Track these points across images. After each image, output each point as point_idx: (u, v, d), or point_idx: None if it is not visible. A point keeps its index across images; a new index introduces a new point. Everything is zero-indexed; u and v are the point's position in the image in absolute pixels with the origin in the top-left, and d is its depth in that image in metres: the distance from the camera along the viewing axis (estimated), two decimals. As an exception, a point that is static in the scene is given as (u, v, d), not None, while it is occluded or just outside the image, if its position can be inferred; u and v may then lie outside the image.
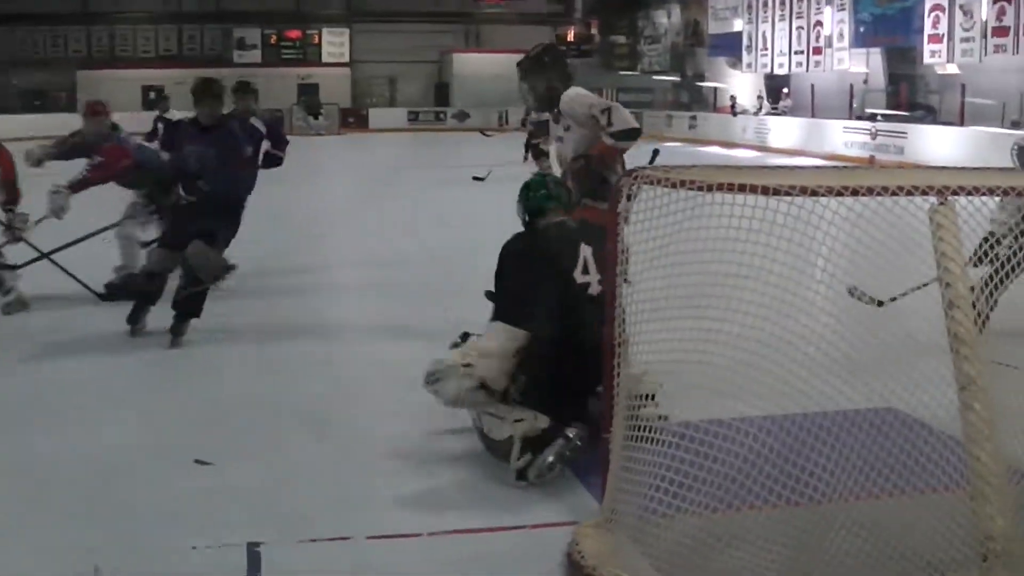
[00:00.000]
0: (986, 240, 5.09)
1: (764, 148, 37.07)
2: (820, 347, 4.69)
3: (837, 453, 4.80)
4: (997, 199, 5.07)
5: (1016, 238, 5.27)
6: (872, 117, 33.09)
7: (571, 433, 5.98)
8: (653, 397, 5.11)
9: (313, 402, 7.60)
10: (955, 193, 4.63)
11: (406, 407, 7.10)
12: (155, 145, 11.98)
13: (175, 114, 15.43)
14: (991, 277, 5.13)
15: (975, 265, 5.20)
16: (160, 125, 15.47)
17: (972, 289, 4.64)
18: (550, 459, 5.93)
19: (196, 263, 9.00)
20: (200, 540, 5.21)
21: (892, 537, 4.74)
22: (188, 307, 9.07)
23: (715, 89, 46.92)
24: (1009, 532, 4.50)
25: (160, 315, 9.26)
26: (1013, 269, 5.11)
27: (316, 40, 53.95)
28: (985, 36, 28.06)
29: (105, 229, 11.47)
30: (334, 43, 54.16)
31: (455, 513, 5.60)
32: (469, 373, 6.04)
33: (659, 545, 4.76)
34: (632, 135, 7.62)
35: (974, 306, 4.59)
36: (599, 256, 6.03)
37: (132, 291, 9.81)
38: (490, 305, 6.68)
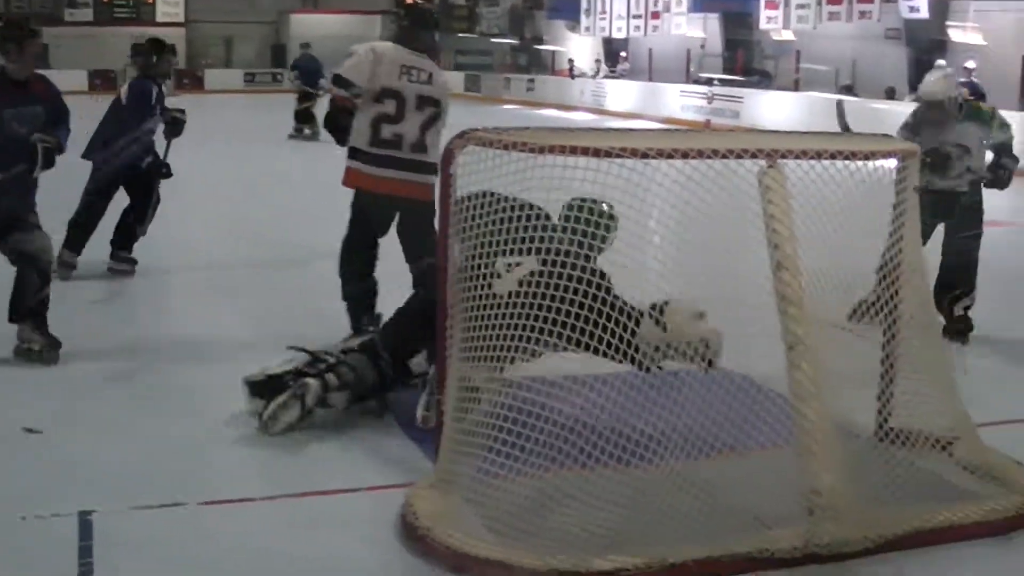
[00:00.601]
0: None
1: (601, 111, 37.26)
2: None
3: (668, 412, 4.87)
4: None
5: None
6: (708, 82, 33.51)
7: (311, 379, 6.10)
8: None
9: (142, 368, 7.45)
10: (783, 156, 4.71)
11: (237, 371, 7.02)
12: None
13: None
14: None
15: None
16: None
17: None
18: (279, 400, 6.03)
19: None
20: (29, 510, 5.08)
21: (722, 494, 4.82)
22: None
23: (553, 52, 47.10)
24: (835, 487, 4.61)
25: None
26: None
27: (150, -1, 52.80)
28: (820, 3, 28.66)
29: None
30: (169, 2, 52.92)
31: (288, 477, 5.55)
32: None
33: (493, 505, 4.79)
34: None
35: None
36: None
37: None
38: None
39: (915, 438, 5.27)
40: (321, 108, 19.56)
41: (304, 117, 24.09)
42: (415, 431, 5.93)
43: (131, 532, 4.93)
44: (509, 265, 5.24)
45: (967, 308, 8.17)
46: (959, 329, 8.10)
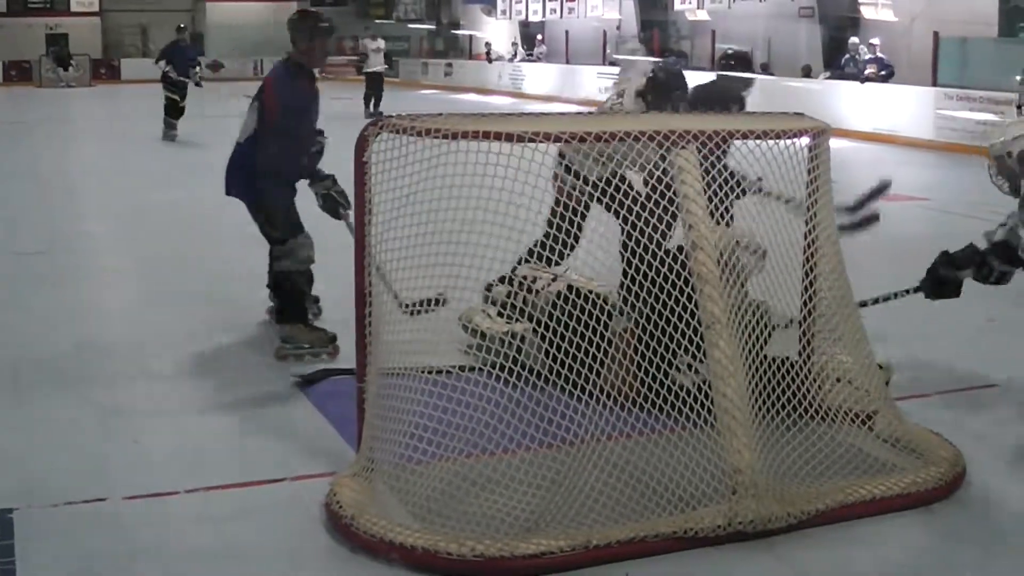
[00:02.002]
0: None
1: (519, 95, 37.30)
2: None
3: (588, 394, 4.88)
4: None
5: None
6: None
7: None
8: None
9: (58, 360, 7.33)
10: (696, 137, 4.73)
11: (154, 362, 6.96)
12: None
13: None
14: None
15: None
16: None
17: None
18: None
19: None
20: (-55, 510, 5.01)
21: (644, 475, 4.84)
22: None
23: (470, 36, 47.02)
24: (756, 465, 4.64)
25: None
26: None
27: (65, -13, 52.11)
28: (734, -17, 28.84)
29: None
30: (84, -10, 52.40)
31: (211, 468, 5.49)
32: None
33: (416, 492, 4.79)
34: None
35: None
36: None
37: None
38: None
39: (835, 412, 5.31)
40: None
41: (176, 112, 22.25)
42: (339, 420, 5.89)
43: (53, 529, 4.86)
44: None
45: None
46: None
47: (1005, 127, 6.42)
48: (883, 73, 23.46)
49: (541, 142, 4.49)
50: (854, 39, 25.52)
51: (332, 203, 7.20)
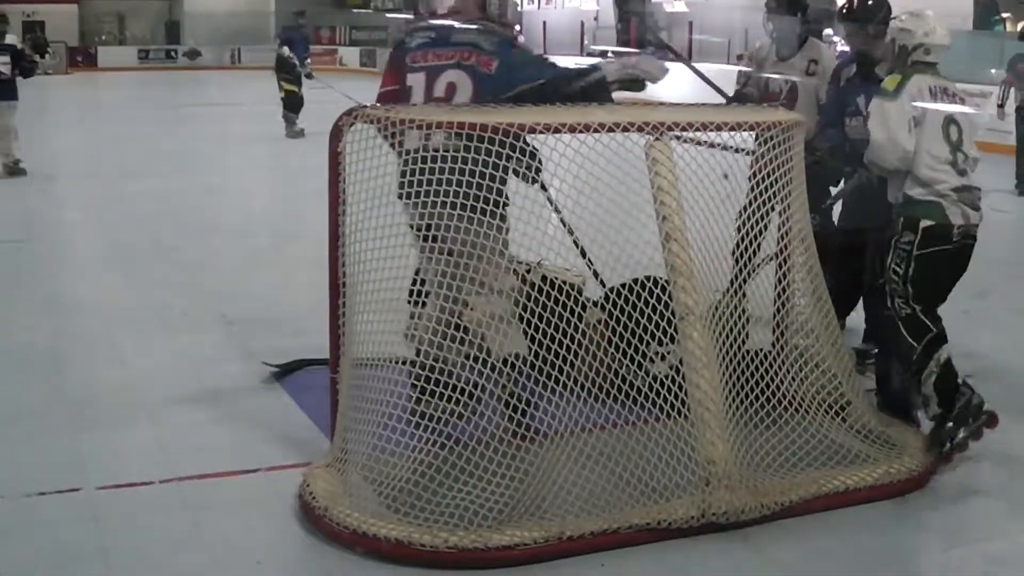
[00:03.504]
0: None
1: (499, 85, 37.23)
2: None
3: (562, 385, 4.88)
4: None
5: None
6: (603, 54, 33.55)
7: None
8: None
9: (29, 349, 7.29)
10: (669, 128, 4.73)
11: (128, 353, 6.94)
12: None
13: None
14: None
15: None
16: None
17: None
18: None
19: None
20: (-80, 501, 5.00)
21: (617, 466, 4.84)
22: None
23: (450, 26, 46.86)
24: (729, 456, 4.65)
25: None
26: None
27: (41, -25, 51.81)
28: (711, -26, 28.89)
29: None
30: (61, -22, 52.12)
31: (185, 459, 5.48)
32: None
33: (390, 483, 4.78)
34: None
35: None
36: None
37: None
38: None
39: (808, 404, 5.33)
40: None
41: (294, 105, 19.27)
42: (314, 411, 5.88)
43: (27, 519, 4.85)
44: None
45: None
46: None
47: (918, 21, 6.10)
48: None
49: (516, 133, 4.49)
50: (828, 31, 25.50)
51: None
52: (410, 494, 4.70)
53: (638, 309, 4.94)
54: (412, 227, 5.08)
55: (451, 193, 4.77)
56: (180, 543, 4.66)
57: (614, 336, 5.20)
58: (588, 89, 5.27)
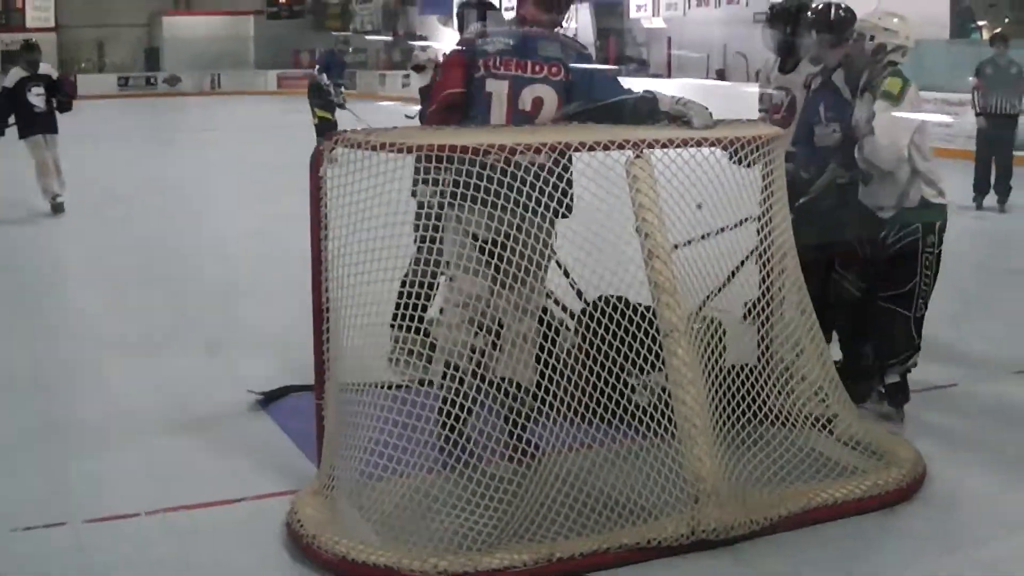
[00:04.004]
0: None
1: (480, 105, 37.23)
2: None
3: (547, 407, 4.88)
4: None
5: None
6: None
7: None
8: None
9: (12, 379, 7.26)
10: (650, 146, 4.74)
11: (113, 378, 6.92)
12: None
13: None
14: None
15: None
16: None
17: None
18: None
19: None
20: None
21: (606, 486, 4.84)
22: None
23: (428, 48, 46.95)
24: (717, 472, 4.65)
25: None
26: None
27: (19, 4, 51.70)
28: (688, -10, 28.98)
29: None
30: (39, 7, 51.79)
31: (171, 489, 5.44)
32: None
33: (377, 508, 4.77)
34: None
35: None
36: None
37: None
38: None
39: (795, 417, 5.33)
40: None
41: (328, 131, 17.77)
42: (301, 437, 5.86)
43: (13, 555, 4.83)
44: None
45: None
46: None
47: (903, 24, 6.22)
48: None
49: (496, 154, 4.49)
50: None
51: None
52: (399, 519, 4.69)
53: (610, 331, 4.97)
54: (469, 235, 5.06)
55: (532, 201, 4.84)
56: (168, 574, 4.64)
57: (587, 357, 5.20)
58: (640, 113, 5.30)
